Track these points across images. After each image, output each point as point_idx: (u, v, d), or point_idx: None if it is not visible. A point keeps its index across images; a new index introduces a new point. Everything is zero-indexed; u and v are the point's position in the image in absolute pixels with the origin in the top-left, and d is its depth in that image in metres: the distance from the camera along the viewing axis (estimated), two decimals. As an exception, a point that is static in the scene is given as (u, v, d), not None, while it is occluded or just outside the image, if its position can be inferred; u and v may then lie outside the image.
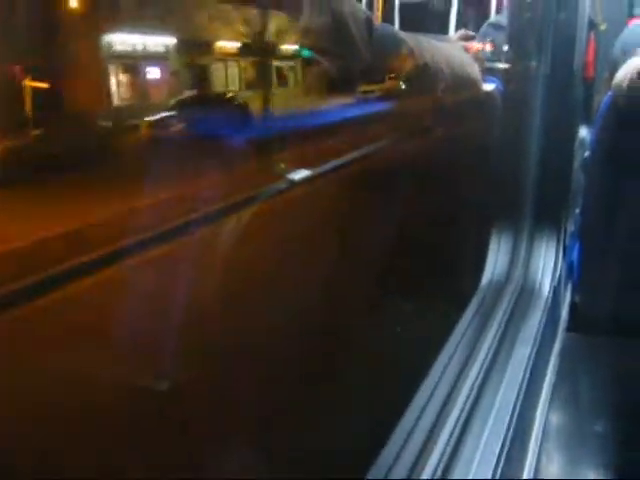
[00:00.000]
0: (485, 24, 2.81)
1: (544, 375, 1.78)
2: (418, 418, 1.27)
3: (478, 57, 2.38)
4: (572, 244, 2.23)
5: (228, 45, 1.27)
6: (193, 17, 1.17)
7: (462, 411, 1.30)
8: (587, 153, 2.27)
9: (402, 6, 4.00)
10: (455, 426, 1.24)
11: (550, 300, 1.91)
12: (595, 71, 2.90)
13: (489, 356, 1.51)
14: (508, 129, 2.09)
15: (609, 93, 2.06)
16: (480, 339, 1.56)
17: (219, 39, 1.23)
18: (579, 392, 1.91)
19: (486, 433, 1.27)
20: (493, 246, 1.98)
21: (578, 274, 2.21)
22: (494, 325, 1.64)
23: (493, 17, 3.11)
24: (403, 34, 1.79)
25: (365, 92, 1.74)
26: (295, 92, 1.52)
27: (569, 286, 2.24)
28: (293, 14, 1.41)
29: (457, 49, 2.34)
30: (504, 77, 2.25)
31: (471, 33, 2.64)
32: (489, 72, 2.35)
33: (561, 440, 1.69)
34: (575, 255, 2.22)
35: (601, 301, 2.11)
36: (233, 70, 1.27)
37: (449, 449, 1.20)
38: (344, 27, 1.52)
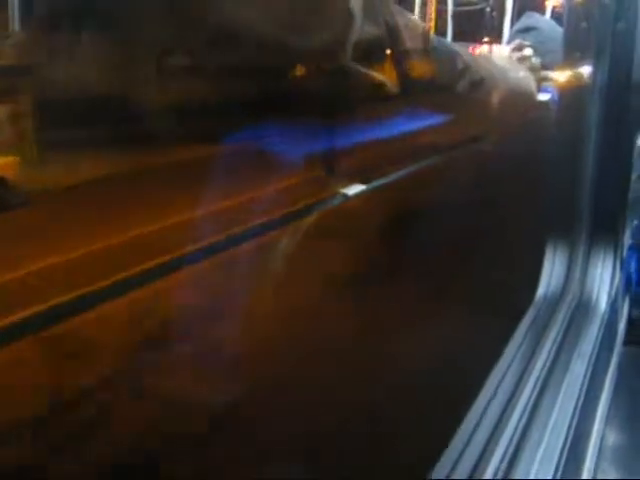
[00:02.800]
0: (513, 30, 2.77)
1: (601, 390, 1.75)
2: (472, 433, 1.27)
3: (533, 67, 2.36)
4: (630, 256, 2.18)
5: None
6: None
7: (516, 428, 1.29)
8: (646, 162, 2.22)
9: (455, 15, 3.98)
10: (509, 443, 1.23)
11: (607, 314, 1.87)
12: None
13: (544, 371, 1.49)
14: (564, 138, 2.06)
15: None
16: (535, 354, 1.55)
17: None
18: (637, 408, 1.87)
19: (541, 450, 1.26)
20: (548, 258, 1.95)
21: (636, 287, 2.16)
22: (549, 339, 1.62)
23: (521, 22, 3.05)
24: (458, 47, 1.79)
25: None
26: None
27: (627, 299, 2.20)
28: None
29: (511, 60, 2.32)
30: (560, 86, 2.22)
31: (526, 43, 2.61)
32: (544, 81, 2.33)
33: (617, 458, 1.66)
34: (633, 268, 2.17)
35: (660, 315, 2.06)
36: None
37: (503, 466, 1.19)
38: (398, 37, 1.53)
